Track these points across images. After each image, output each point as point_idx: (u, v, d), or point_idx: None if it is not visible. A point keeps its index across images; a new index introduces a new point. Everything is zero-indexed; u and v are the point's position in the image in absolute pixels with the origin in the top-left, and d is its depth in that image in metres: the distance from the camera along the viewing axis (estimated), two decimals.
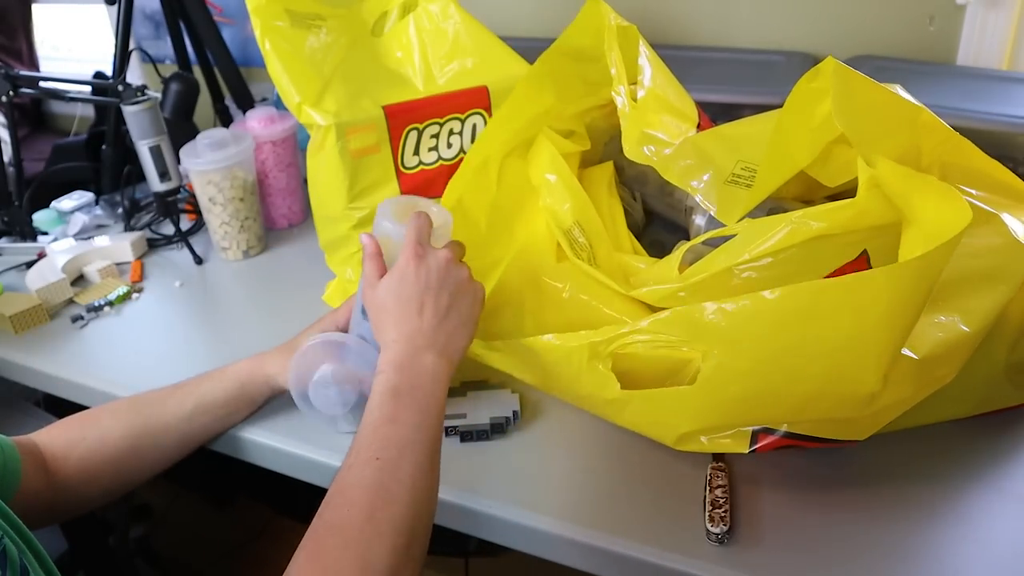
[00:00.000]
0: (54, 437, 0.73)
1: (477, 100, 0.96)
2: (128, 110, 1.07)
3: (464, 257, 0.73)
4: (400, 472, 0.57)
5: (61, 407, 1.05)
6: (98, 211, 1.24)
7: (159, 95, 1.16)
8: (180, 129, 1.23)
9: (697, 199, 0.76)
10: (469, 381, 0.82)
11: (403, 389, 0.62)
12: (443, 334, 0.66)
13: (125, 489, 0.76)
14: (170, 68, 1.39)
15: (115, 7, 1.27)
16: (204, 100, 1.39)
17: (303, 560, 0.53)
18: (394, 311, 0.67)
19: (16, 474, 0.67)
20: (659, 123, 0.79)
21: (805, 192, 0.79)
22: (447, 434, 0.75)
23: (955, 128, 0.69)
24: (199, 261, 1.12)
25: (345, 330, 0.78)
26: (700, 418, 0.67)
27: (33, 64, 2.12)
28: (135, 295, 1.05)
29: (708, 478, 0.67)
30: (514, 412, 0.77)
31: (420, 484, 0.58)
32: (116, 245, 1.12)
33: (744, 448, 0.67)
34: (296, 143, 1.16)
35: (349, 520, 0.54)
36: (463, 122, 0.96)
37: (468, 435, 0.75)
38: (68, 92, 1.18)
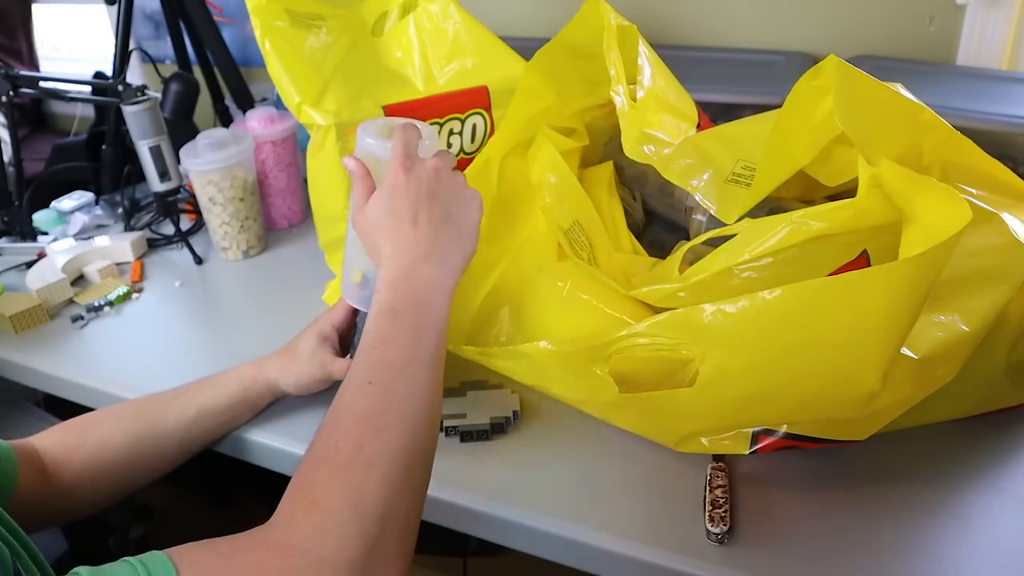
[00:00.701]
0: (54, 441, 0.72)
1: (477, 100, 0.96)
2: (128, 110, 1.07)
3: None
4: (393, 396, 0.55)
5: (61, 407, 1.06)
6: (98, 211, 1.24)
7: (159, 95, 1.16)
8: (180, 129, 1.23)
9: (697, 198, 0.76)
10: (469, 381, 0.82)
11: (400, 307, 0.59)
12: (441, 243, 0.63)
13: (126, 492, 0.76)
14: (170, 68, 1.39)
15: (115, 7, 1.27)
16: (204, 100, 1.39)
17: (293, 492, 0.51)
18: (387, 226, 0.63)
19: (12, 478, 0.67)
20: (659, 123, 0.79)
21: (805, 192, 0.79)
22: (447, 434, 0.75)
23: (955, 128, 0.69)
24: (199, 261, 1.12)
25: (342, 331, 0.78)
26: (700, 420, 0.67)
27: (33, 64, 2.12)
28: (135, 295, 1.05)
29: (708, 478, 0.67)
30: (514, 412, 0.77)
31: (417, 407, 0.55)
32: (116, 245, 1.12)
33: (744, 449, 0.67)
34: (296, 143, 1.16)
35: (338, 450, 0.52)
36: (463, 122, 0.96)
37: (468, 435, 0.75)
38: (68, 92, 1.18)
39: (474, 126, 0.97)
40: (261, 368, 0.78)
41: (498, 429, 0.76)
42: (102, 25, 2.13)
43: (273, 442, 0.79)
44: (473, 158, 0.89)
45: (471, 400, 0.79)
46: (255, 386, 0.78)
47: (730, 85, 1.29)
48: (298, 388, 0.78)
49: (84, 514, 0.74)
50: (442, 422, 0.75)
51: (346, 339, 0.80)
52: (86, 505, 0.74)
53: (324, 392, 0.81)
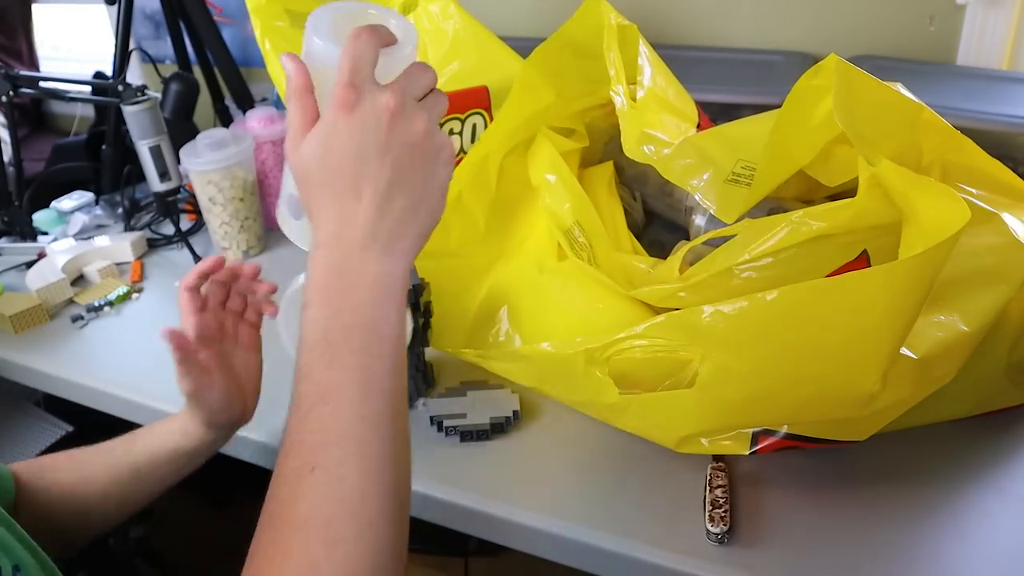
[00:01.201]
0: (28, 474, 0.69)
1: (477, 100, 0.96)
2: (128, 110, 1.07)
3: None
4: (343, 486, 0.41)
5: (61, 407, 1.06)
6: (98, 211, 1.24)
7: (159, 95, 1.16)
8: (180, 129, 1.23)
9: (697, 198, 0.76)
10: (469, 381, 0.82)
11: (335, 335, 0.44)
12: (390, 220, 0.47)
13: (120, 519, 0.73)
14: (170, 68, 1.39)
15: (115, 7, 1.27)
16: (204, 100, 1.39)
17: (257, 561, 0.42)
18: (321, 190, 0.48)
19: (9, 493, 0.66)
20: (659, 123, 0.79)
21: (805, 192, 0.79)
22: (447, 434, 0.75)
23: (955, 128, 0.69)
24: (199, 261, 1.12)
25: (201, 327, 0.68)
26: (700, 421, 0.67)
27: (33, 64, 2.12)
28: (135, 295, 1.05)
29: (708, 478, 0.67)
30: (514, 412, 0.77)
31: (377, 493, 0.42)
32: (116, 245, 1.12)
33: (744, 450, 0.67)
34: None
35: (296, 552, 0.41)
36: (463, 122, 0.96)
37: (468, 435, 0.75)
38: (68, 92, 1.18)
39: (474, 126, 0.97)
40: (179, 424, 0.70)
41: (498, 429, 0.76)
42: (102, 25, 2.13)
43: (273, 442, 0.79)
44: None
45: (471, 400, 0.79)
46: (186, 430, 0.70)
47: (730, 85, 1.29)
48: (211, 418, 0.68)
49: (91, 538, 0.72)
50: (442, 422, 0.75)
51: (220, 337, 0.70)
52: (91, 531, 0.72)
53: None
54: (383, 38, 0.48)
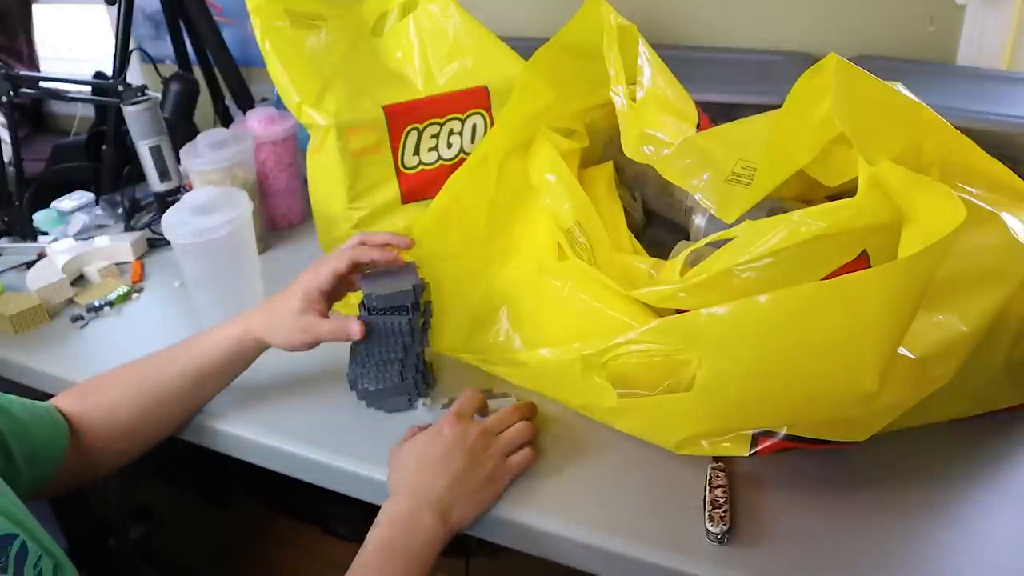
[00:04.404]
0: (72, 408, 0.76)
1: (477, 100, 0.96)
2: (128, 110, 1.07)
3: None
4: None
5: None
6: (98, 211, 1.24)
7: (159, 95, 1.16)
8: (180, 129, 1.23)
9: (697, 197, 0.76)
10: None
11: (397, 546, 0.63)
12: (450, 496, 0.67)
13: (139, 453, 0.79)
14: (170, 68, 1.38)
15: (115, 7, 1.27)
16: (204, 100, 1.39)
17: None
18: (414, 469, 0.69)
19: (63, 446, 0.71)
20: (659, 123, 0.79)
21: (805, 192, 0.79)
22: None
23: (955, 128, 0.69)
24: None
25: (328, 292, 0.78)
26: (699, 423, 0.67)
27: (33, 64, 2.12)
28: (135, 295, 1.05)
29: (708, 478, 0.67)
30: None
31: None
32: (116, 245, 1.12)
33: (744, 451, 0.67)
34: (296, 143, 1.16)
35: None
36: (463, 122, 0.96)
37: None
38: (68, 92, 1.18)
39: (474, 126, 0.97)
40: (247, 326, 0.80)
41: None
42: (102, 25, 2.13)
43: (272, 442, 0.79)
44: None
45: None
46: (244, 343, 0.80)
47: (730, 85, 1.29)
48: (286, 345, 0.79)
49: (100, 476, 0.78)
50: None
51: (332, 299, 0.81)
52: (103, 466, 0.77)
53: (324, 393, 0.81)
54: (481, 402, 0.76)
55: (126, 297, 1.04)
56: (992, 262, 0.65)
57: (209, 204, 0.87)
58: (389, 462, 0.71)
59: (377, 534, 0.64)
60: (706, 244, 0.72)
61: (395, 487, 0.69)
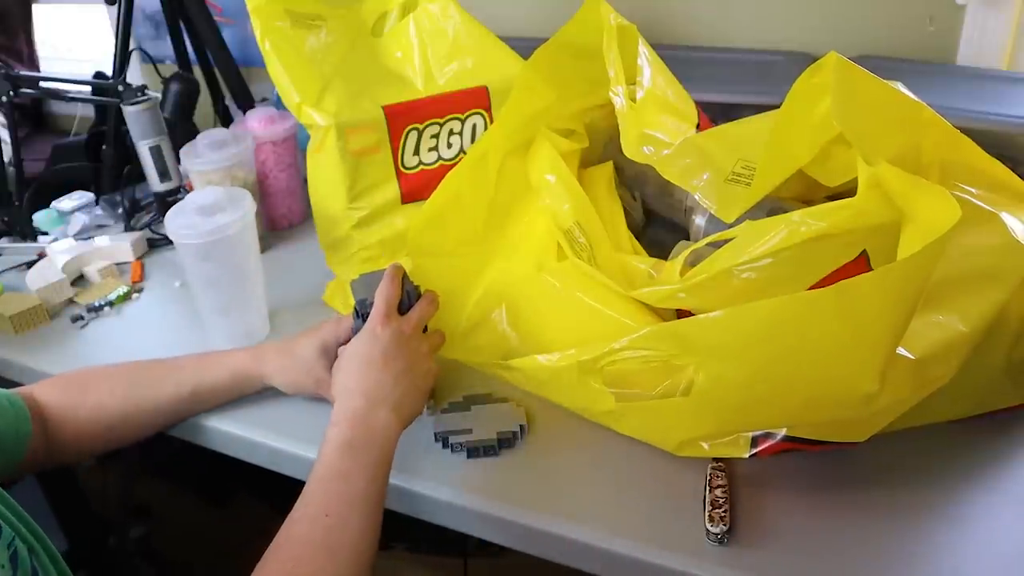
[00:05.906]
0: (53, 397, 0.76)
1: (477, 100, 0.96)
2: (128, 110, 1.07)
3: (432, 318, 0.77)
4: (348, 530, 0.60)
5: None
6: (98, 211, 1.24)
7: (159, 95, 1.16)
8: (180, 129, 1.23)
9: (697, 197, 0.76)
10: (472, 395, 0.81)
11: (357, 444, 0.64)
12: (399, 392, 0.69)
13: (112, 449, 0.80)
14: (170, 68, 1.38)
15: (115, 7, 1.27)
16: (204, 100, 1.39)
17: None
18: (359, 372, 0.70)
19: (26, 436, 0.71)
20: (658, 123, 0.79)
21: (805, 192, 0.79)
22: (452, 451, 0.75)
23: (955, 128, 0.69)
24: None
25: (346, 342, 0.77)
26: (698, 426, 0.67)
27: (33, 64, 2.12)
28: (135, 295, 1.05)
29: (708, 478, 0.67)
30: (521, 427, 0.76)
31: (366, 540, 0.61)
32: (116, 245, 1.12)
33: (744, 452, 0.67)
34: (296, 143, 1.16)
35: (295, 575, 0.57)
36: (463, 122, 0.96)
37: (476, 451, 0.74)
38: (68, 92, 1.18)
39: (474, 126, 0.97)
40: (258, 362, 0.80)
41: (506, 444, 0.75)
42: (102, 25, 2.13)
43: (271, 442, 0.79)
44: None
45: (475, 415, 0.78)
46: (248, 377, 0.81)
47: (730, 85, 1.29)
48: (293, 390, 0.80)
49: (68, 464, 0.80)
50: (447, 438, 0.75)
51: None
52: (73, 457, 0.78)
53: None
54: (398, 291, 0.75)
55: (126, 297, 1.04)
56: (992, 262, 0.65)
57: (213, 204, 0.86)
58: (332, 375, 0.72)
59: (336, 433, 0.65)
60: (706, 244, 0.72)
61: (341, 392, 0.69)
